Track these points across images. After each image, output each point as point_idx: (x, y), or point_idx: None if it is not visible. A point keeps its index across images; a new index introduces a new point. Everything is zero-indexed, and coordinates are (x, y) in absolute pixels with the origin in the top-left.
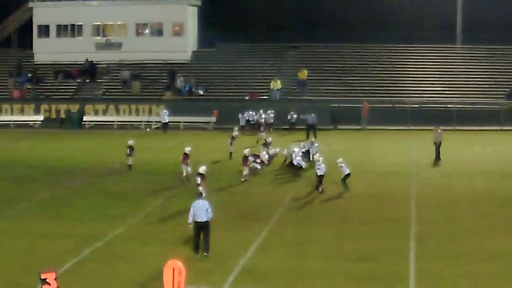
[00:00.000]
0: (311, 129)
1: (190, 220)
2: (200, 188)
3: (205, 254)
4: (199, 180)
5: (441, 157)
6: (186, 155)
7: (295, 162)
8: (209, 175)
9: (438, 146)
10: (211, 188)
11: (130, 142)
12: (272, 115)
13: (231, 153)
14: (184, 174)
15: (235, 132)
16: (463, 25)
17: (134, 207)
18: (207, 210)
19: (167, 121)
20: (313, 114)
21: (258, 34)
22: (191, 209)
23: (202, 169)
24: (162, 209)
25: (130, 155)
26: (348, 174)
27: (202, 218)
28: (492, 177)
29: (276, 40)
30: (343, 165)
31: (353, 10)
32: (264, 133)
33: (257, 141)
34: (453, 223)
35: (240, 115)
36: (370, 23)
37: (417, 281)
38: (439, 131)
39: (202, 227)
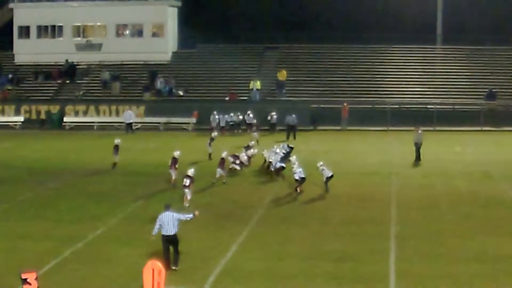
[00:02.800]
0: (291, 130)
1: (155, 232)
2: (186, 190)
3: (173, 268)
4: (187, 182)
5: (421, 157)
6: (175, 160)
7: (277, 165)
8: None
9: (418, 147)
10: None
11: (117, 141)
12: (251, 116)
13: (210, 154)
14: (174, 178)
15: (214, 133)
16: (443, 26)
17: (114, 208)
18: (174, 223)
19: (131, 121)
20: (293, 115)
21: (238, 35)
22: (157, 222)
23: (190, 171)
24: (142, 210)
25: (115, 154)
26: (331, 176)
27: (170, 232)
28: (473, 177)
29: (256, 41)
30: (324, 168)
31: (333, 11)
32: (256, 133)
33: (257, 141)
34: (433, 224)
35: (220, 116)
36: (350, 24)
37: (398, 281)
38: (419, 131)
39: (170, 241)
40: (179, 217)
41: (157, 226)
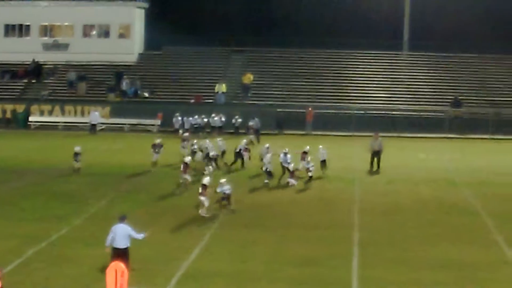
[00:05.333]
0: (255, 133)
1: (108, 244)
2: (202, 198)
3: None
4: (203, 190)
5: (380, 165)
6: (186, 165)
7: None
8: (153, 178)
9: (379, 154)
10: (154, 191)
11: (77, 149)
12: (216, 119)
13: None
14: (186, 182)
15: (185, 134)
16: (410, 33)
17: (78, 208)
18: (127, 235)
19: (96, 122)
20: (256, 119)
21: (205, 37)
22: (110, 233)
23: (206, 180)
24: (106, 211)
25: (76, 160)
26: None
27: (120, 245)
28: (437, 184)
29: (222, 44)
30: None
31: (300, 16)
32: (253, 135)
33: (251, 142)
34: (397, 230)
35: (185, 118)
36: (317, 28)
37: (360, 287)
38: (378, 138)
39: (119, 255)
40: (131, 232)
41: (109, 238)
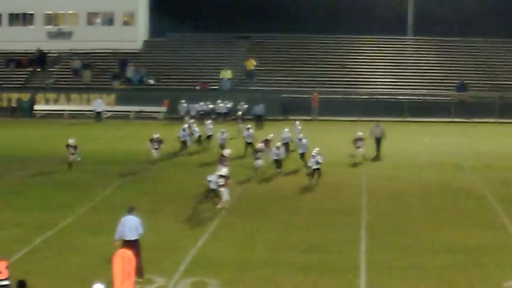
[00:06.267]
0: (258, 119)
1: (117, 237)
2: (222, 189)
3: (139, 279)
4: (222, 181)
5: (381, 152)
6: (223, 157)
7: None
8: (158, 165)
9: (378, 141)
10: (160, 178)
11: (71, 141)
12: (221, 105)
13: (185, 142)
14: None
15: (191, 120)
16: (414, 17)
17: (83, 196)
18: (136, 227)
19: (101, 110)
20: (261, 105)
21: (209, 24)
22: (119, 226)
23: (224, 171)
24: (111, 199)
25: (72, 153)
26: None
27: (130, 237)
28: (443, 168)
29: (227, 30)
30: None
31: (305, 1)
32: (242, 124)
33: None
34: (403, 214)
35: (190, 105)
36: (322, 14)
37: (368, 272)
38: (379, 125)
39: (130, 247)
40: (139, 225)
41: (119, 230)
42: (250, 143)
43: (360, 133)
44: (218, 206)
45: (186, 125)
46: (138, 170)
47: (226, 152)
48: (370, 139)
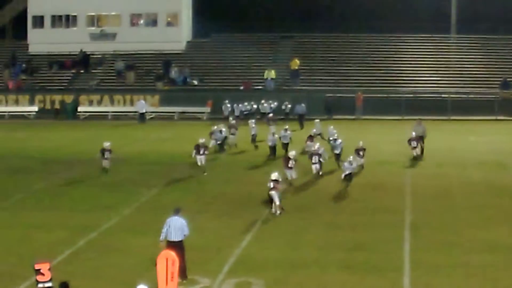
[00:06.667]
0: (300, 119)
1: (162, 237)
2: (273, 192)
3: (183, 281)
4: (274, 185)
5: (424, 150)
6: (287, 159)
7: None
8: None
9: (420, 140)
10: (204, 179)
11: (106, 145)
12: (265, 105)
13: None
14: (289, 178)
15: (232, 121)
16: (458, 15)
17: (128, 197)
18: (182, 228)
19: (144, 111)
20: (302, 104)
21: (253, 24)
22: (165, 226)
23: (274, 175)
24: (156, 200)
25: (106, 158)
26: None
27: (175, 238)
28: (487, 167)
29: (270, 30)
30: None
31: (348, 0)
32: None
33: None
34: (448, 213)
35: (234, 105)
36: (365, 13)
37: (412, 271)
38: (421, 124)
39: (174, 248)
40: (185, 226)
41: (164, 231)
42: (286, 143)
43: (414, 133)
44: (272, 211)
45: (215, 127)
46: (183, 170)
47: (291, 154)
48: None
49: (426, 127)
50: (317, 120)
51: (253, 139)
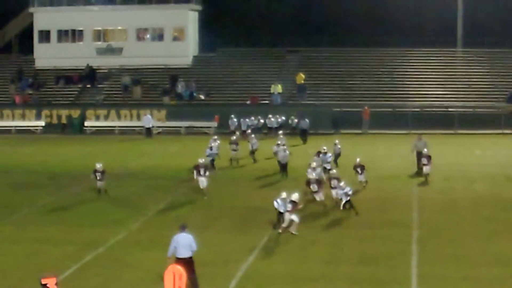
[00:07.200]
0: (303, 134)
1: (170, 254)
2: (287, 213)
3: None
4: (291, 207)
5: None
6: (319, 182)
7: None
8: (211, 180)
9: (421, 155)
10: (211, 194)
11: (98, 166)
12: (272, 120)
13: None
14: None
15: (236, 135)
16: (464, 29)
17: (135, 212)
18: (190, 244)
19: (150, 126)
20: (306, 119)
21: (259, 38)
22: (172, 243)
23: (294, 196)
24: (163, 214)
25: (100, 180)
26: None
27: (184, 254)
28: (494, 180)
29: (277, 45)
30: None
31: (354, 15)
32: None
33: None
34: (455, 227)
35: (241, 120)
36: (371, 27)
37: (419, 285)
38: (421, 139)
39: (184, 264)
40: (193, 242)
41: (172, 248)
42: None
43: (426, 150)
44: (291, 231)
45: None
46: (190, 185)
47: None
48: (412, 153)
49: (427, 142)
50: (337, 141)
51: (252, 151)
